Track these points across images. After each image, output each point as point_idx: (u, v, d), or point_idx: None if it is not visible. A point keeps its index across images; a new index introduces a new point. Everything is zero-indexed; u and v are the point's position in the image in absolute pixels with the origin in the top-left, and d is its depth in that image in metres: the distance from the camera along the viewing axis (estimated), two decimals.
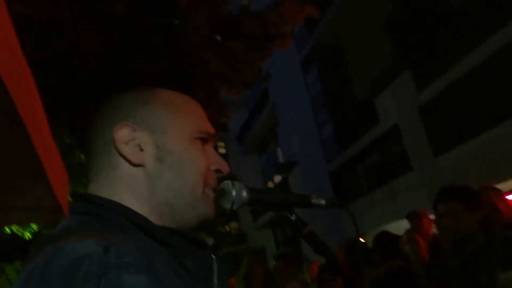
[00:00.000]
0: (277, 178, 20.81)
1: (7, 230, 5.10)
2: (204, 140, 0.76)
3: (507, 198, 3.26)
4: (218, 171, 0.76)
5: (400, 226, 9.68)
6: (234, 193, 0.75)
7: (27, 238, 5.31)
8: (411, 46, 11.38)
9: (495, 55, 8.62)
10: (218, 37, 6.13)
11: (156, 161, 0.70)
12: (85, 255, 0.51)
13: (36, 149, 1.39)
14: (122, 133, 0.70)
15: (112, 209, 0.66)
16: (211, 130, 0.77)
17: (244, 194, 0.76)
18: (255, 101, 20.94)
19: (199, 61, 5.65)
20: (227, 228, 19.90)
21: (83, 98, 5.31)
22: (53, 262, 0.51)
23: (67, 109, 5.39)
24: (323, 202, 0.81)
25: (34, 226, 5.25)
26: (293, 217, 0.79)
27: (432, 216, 3.73)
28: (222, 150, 23.61)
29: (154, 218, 0.68)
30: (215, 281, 0.69)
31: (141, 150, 0.71)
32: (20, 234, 5.33)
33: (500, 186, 5.76)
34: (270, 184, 21.99)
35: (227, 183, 0.76)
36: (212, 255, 0.71)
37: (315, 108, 16.69)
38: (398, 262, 2.94)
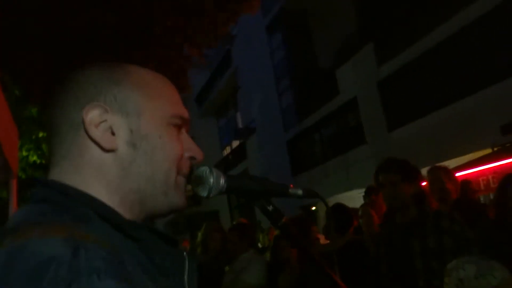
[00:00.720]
0: (235, 144, 20.87)
1: None
2: (178, 126, 0.71)
3: (456, 177, 3.43)
4: (192, 158, 0.73)
5: (352, 196, 10.10)
6: (211, 180, 0.72)
7: None
8: (375, 21, 11.47)
9: (453, 35, 8.87)
10: None
11: (129, 146, 0.65)
12: (51, 257, 0.47)
13: None
14: (93, 115, 0.64)
15: (76, 198, 0.61)
16: (186, 114, 0.73)
17: (222, 181, 0.73)
18: (217, 62, 20.52)
19: (156, 15, 5.40)
20: None
21: (33, 46, 4.98)
22: (15, 262, 0.47)
23: (17, 56, 5.06)
24: (300, 192, 0.80)
25: None
26: (270, 208, 0.77)
27: None
28: None
29: (124, 208, 0.64)
30: (186, 279, 0.67)
31: (113, 134, 0.65)
32: None
33: (447, 163, 6.07)
34: (227, 150, 22.05)
35: (205, 169, 0.73)
36: (184, 252, 0.68)
37: (277, 75, 16.66)
38: (352, 235, 3.05)
